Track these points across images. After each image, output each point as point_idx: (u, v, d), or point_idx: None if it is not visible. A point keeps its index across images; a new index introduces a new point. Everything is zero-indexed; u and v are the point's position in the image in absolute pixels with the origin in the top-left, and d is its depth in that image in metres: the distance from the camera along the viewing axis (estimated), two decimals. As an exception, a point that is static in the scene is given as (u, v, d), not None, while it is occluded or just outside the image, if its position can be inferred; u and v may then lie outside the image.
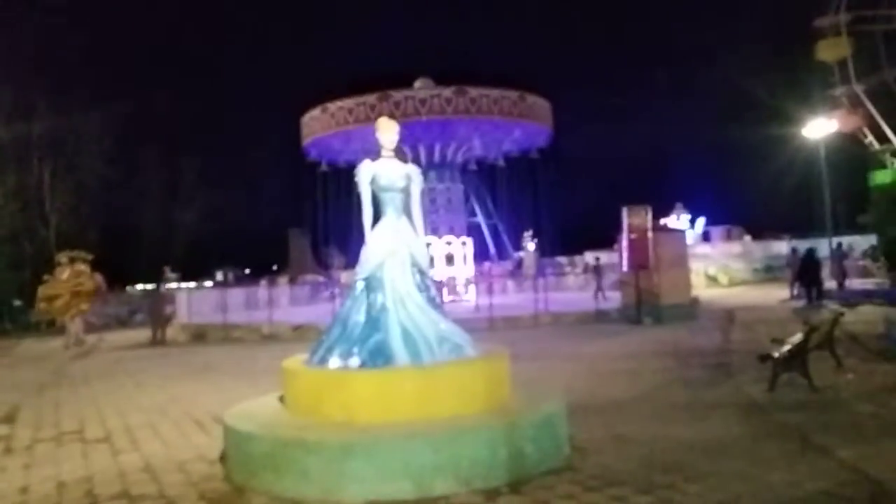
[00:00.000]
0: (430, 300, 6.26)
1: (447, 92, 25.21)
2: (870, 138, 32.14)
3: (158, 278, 38.10)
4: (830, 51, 32.71)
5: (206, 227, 50.45)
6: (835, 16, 32.41)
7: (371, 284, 6.08)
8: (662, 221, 25.62)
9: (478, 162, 31.42)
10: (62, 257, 21.82)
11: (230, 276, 51.18)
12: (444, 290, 24.60)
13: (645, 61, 52.16)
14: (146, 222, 49.91)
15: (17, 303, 32.32)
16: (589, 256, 38.03)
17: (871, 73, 32.22)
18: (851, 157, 33.35)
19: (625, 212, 18.98)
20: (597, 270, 25.05)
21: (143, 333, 21.80)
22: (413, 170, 6.52)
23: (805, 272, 20.78)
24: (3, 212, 35.88)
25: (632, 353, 12.76)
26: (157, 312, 21.64)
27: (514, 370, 6.71)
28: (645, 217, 18.96)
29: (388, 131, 6.46)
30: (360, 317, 6.02)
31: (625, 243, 19.24)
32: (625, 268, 19.45)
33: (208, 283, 45.17)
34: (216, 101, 56.63)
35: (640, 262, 18.57)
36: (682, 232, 24.58)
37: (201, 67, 57.10)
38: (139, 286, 43.02)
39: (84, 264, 21.69)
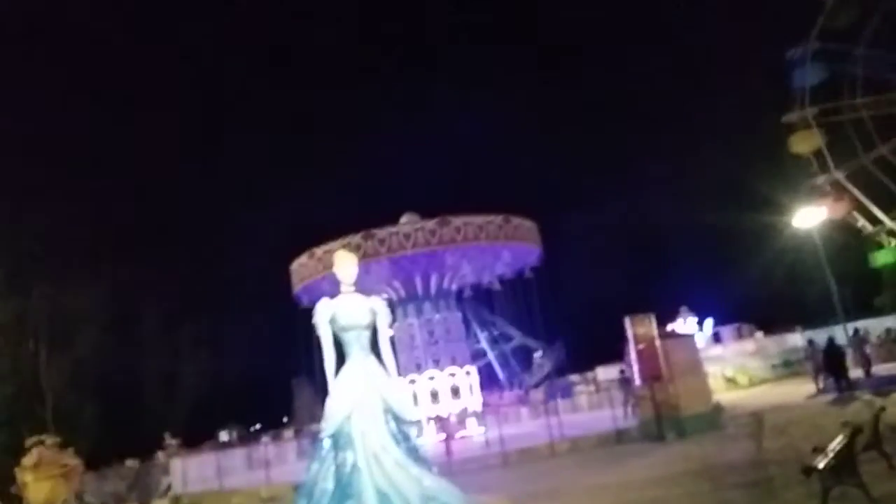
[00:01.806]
0: (411, 451, 5.38)
1: (430, 224, 25.33)
2: (861, 221, 32.01)
3: (158, 447, 36.53)
4: (803, 143, 33.34)
5: (208, 388, 49.36)
6: (801, 110, 33.35)
7: (339, 442, 5.23)
8: (669, 327, 24.73)
9: (473, 287, 31.06)
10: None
11: (234, 435, 49.28)
12: (453, 426, 23.27)
13: (633, 158, 53.11)
14: (146, 389, 48.89)
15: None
16: (601, 371, 36.79)
17: (849, 158, 32.68)
18: (845, 241, 33.11)
19: (628, 322, 18.16)
20: (625, 383, 22.57)
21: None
22: (377, 303, 5.86)
23: (830, 363, 19.64)
24: (-1, 398, 34.96)
25: (659, 477, 11.51)
26: (142, 485, 20.23)
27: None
28: (650, 325, 18.12)
29: (345, 265, 5.89)
30: (327, 483, 5.12)
31: (633, 355, 18.27)
32: (637, 381, 18.35)
33: (210, 446, 43.33)
34: (208, 260, 57.19)
35: (652, 373, 17.52)
36: (692, 336, 23.62)
37: (191, 229, 58.13)
38: (137, 460, 41.15)
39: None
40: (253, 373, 49.86)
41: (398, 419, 5.47)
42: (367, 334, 5.70)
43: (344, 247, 24.30)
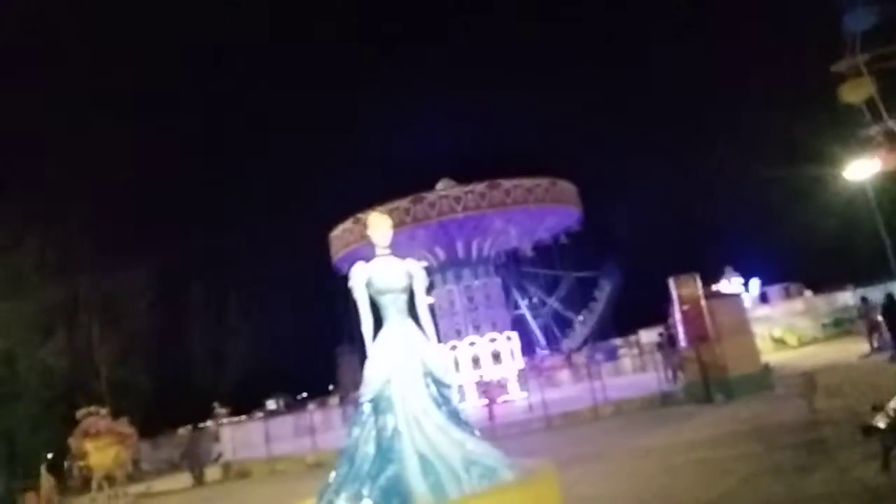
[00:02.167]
0: (452, 415, 5.23)
1: (480, 187, 25.20)
2: (918, 172, 30.53)
3: (208, 416, 37.60)
4: (854, 92, 31.77)
5: (255, 358, 50.53)
6: (852, 58, 31.76)
7: (379, 406, 5.11)
8: (714, 288, 24.13)
9: (510, 253, 30.91)
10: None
11: (281, 403, 50.44)
12: (495, 391, 23.27)
13: (672, 117, 51.67)
14: (195, 361, 50.31)
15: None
16: (644, 334, 36.34)
17: (902, 107, 31.09)
18: (897, 193, 31.68)
19: (672, 283, 17.72)
20: (666, 345, 21.56)
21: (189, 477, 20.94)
22: (414, 265, 5.69)
23: (890, 320, 18.88)
24: (54, 371, 36.32)
25: (708, 438, 11.25)
26: (193, 453, 20.84)
27: (576, 475, 5.53)
28: (695, 285, 17.65)
29: (379, 228, 5.70)
30: (369, 447, 5.02)
31: (678, 317, 17.87)
32: (682, 343, 17.98)
33: (259, 415, 44.47)
34: (253, 234, 58.13)
35: (698, 334, 17.12)
36: (738, 295, 22.97)
37: (236, 204, 58.99)
38: (190, 427, 42.52)
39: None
40: (298, 342, 50.82)
41: (438, 382, 5.32)
42: (403, 297, 5.54)
43: (393, 210, 24.31)
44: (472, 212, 25.00)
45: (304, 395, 54.25)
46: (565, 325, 45.43)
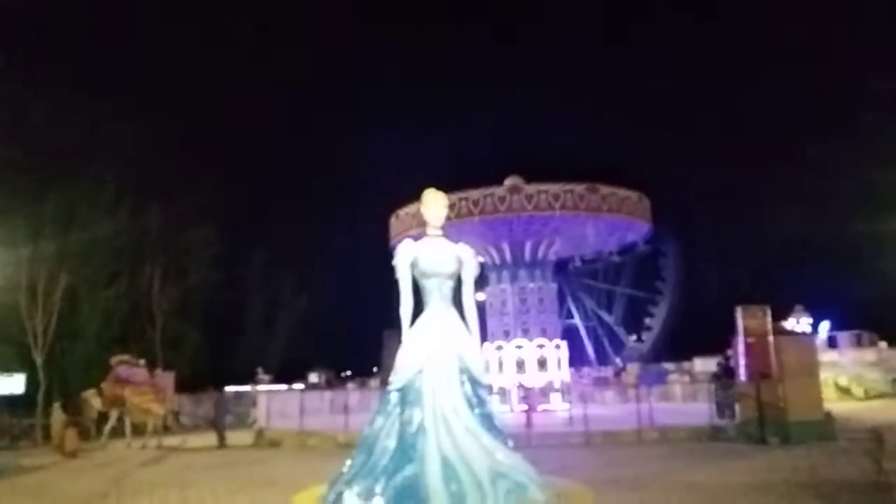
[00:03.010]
0: (485, 418, 4.74)
1: (580, 188, 24.56)
2: None
3: (251, 380, 38.18)
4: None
5: (305, 330, 51.32)
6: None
7: (406, 397, 4.67)
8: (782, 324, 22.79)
9: (567, 260, 30.19)
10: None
11: (322, 378, 50.85)
12: (536, 398, 22.63)
13: (754, 141, 49.52)
14: (246, 324, 51.48)
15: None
16: (699, 362, 34.99)
17: None
18: None
19: (739, 312, 16.70)
20: (726, 375, 19.34)
21: (232, 435, 21.19)
22: (465, 251, 5.22)
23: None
24: (114, 315, 37.57)
25: (761, 484, 10.38)
26: (219, 416, 20.97)
27: (612, 502, 4.95)
28: (763, 318, 16.60)
29: (434, 204, 5.25)
30: (390, 440, 4.59)
31: (741, 349, 16.84)
32: (742, 377, 16.94)
33: (299, 386, 44.98)
34: (320, 209, 59.08)
35: (760, 370, 16.09)
36: (811, 336, 21.61)
37: (308, 175, 59.99)
38: (232, 389, 43.42)
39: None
40: (349, 320, 51.19)
41: (474, 381, 4.83)
42: (449, 284, 5.08)
43: (486, 196, 23.89)
44: (568, 212, 24.49)
45: (348, 373, 54.58)
46: (616, 342, 44.26)
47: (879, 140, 35.47)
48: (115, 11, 47.47)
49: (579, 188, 24.50)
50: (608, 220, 25.84)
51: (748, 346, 16.52)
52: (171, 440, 21.33)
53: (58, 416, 20.39)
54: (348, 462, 4.86)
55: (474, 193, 24.15)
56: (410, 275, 5.01)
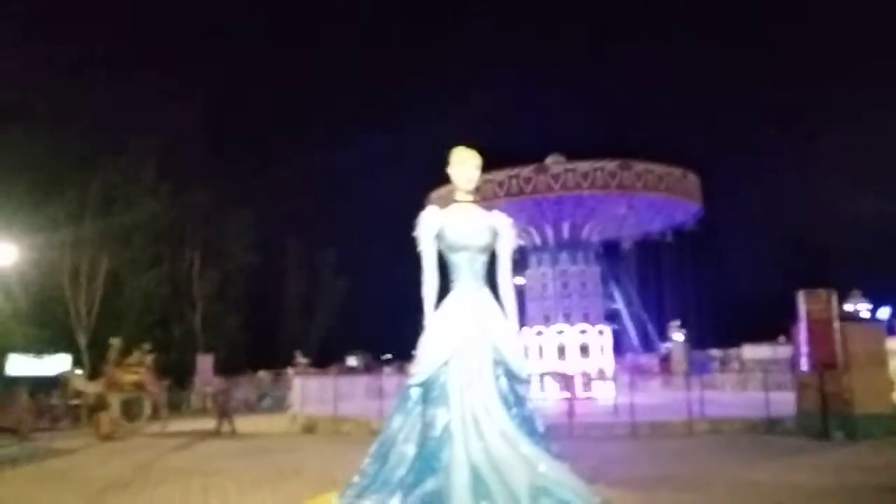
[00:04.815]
0: (525, 422, 3.89)
1: (611, 165, 23.18)
2: None
3: (289, 364, 38.14)
4: None
5: (345, 313, 51.30)
6: None
7: (429, 394, 3.86)
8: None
9: (615, 243, 28.94)
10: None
11: (360, 362, 50.63)
12: (578, 386, 21.73)
13: (815, 112, 47.25)
14: (285, 308, 51.68)
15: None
16: (748, 349, 33.62)
17: None
18: None
19: (801, 297, 15.47)
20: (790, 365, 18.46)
21: (268, 419, 20.81)
22: (501, 220, 4.36)
23: None
24: (155, 298, 37.95)
25: (831, 486, 9.34)
26: (224, 402, 20.51)
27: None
28: (827, 304, 15.35)
29: (465, 164, 4.38)
30: (408, 446, 3.79)
31: (802, 336, 15.63)
32: (803, 366, 15.74)
33: (336, 371, 44.88)
34: (353, 195, 58.88)
35: (824, 359, 14.88)
36: (881, 323, 20.15)
37: (341, 167, 59.76)
38: (270, 372, 43.54)
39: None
40: (390, 303, 50.81)
41: (512, 375, 3.96)
42: (482, 259, 4.19)
43: (511, 177, 22.89)
44: (598, 191, 23.17)
45: (389, 356, 54.27)
46: (661, 328, 42.84)
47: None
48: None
49: (611, 165, 23.09)
50: (645, 199, 24.25)
51: (811, 334, 15.30)
52: (205, 424, 21.08)
53: (24, 402, 20.37)
54: (361, 469, 4.10)
55: (499, 175, 23.06)
56: (435, 248, 4.16)
